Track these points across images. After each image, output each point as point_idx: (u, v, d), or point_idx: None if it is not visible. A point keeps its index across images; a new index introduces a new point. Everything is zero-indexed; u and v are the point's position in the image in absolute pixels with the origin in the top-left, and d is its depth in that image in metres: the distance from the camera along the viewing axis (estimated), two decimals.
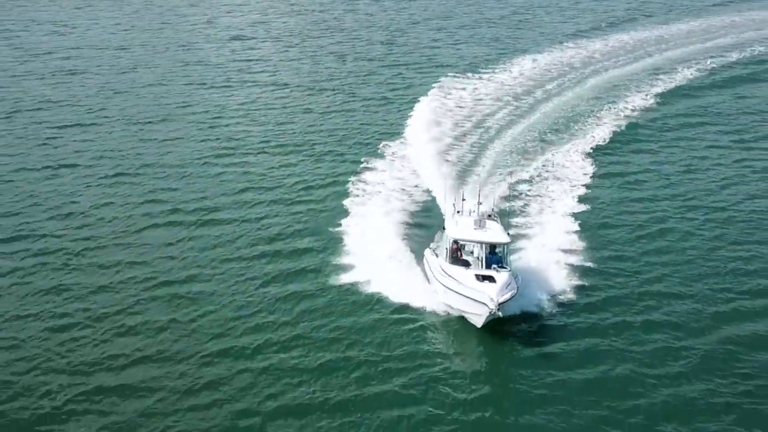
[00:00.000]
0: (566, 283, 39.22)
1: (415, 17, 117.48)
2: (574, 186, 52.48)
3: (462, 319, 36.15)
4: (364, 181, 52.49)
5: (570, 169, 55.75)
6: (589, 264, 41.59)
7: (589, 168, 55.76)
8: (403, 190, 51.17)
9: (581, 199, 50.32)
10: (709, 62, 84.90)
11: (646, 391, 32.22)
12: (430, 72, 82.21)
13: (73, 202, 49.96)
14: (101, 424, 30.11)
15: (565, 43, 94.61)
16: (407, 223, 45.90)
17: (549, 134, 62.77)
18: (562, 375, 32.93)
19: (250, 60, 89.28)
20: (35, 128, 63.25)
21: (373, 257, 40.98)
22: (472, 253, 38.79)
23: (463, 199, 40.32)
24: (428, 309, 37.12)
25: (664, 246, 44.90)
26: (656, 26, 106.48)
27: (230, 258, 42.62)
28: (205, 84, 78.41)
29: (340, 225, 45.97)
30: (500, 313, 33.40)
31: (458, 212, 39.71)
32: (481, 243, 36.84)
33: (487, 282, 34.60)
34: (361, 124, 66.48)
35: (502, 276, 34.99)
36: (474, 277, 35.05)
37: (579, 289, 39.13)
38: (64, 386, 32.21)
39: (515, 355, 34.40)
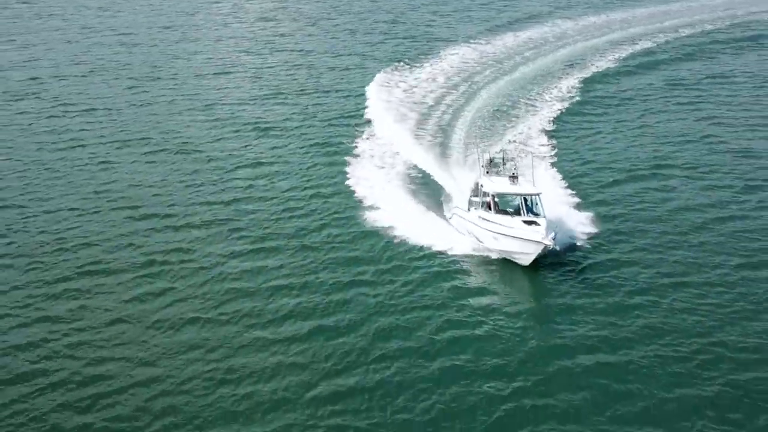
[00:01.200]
0: (580, 230, 45.17)
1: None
2: (549, 153, 58.41)
3: (483, 261, 42.25)
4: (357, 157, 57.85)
5: (536, 139, 61.54)
6: (591, 213, 47.72)
7: (549, 139, 61.87)
8: (390, 161, 56.81)
9: (561, 160, 56.84)
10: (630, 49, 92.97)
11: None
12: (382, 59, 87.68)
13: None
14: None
15: (503, 34, 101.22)
16: (407, 187, 51.83)
17: (510, 110, 69.04)
18: (585, 302, 38.35)
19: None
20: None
21: (394, 209, 47.32)
22: (504, 210, 44.19)
23: (490, 161, 45.77)
24: (454, 252, 42.81)
25: (641, 190, 52.41)
26: (605, 11, 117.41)
27: (269, 212, 48.03)
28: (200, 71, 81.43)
29: (348, 186, 52.17)
30: (557, 247, 40.12)
31: (487, 173, 45.15)
32: (520, 195, 42.52)
33: (534, 225, 40.40)
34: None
35: (543, 220, 41.06)
36: (523, 223, 40.67)
37: (592, 235, 45.22)
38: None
39: (550, 289, 39.89)
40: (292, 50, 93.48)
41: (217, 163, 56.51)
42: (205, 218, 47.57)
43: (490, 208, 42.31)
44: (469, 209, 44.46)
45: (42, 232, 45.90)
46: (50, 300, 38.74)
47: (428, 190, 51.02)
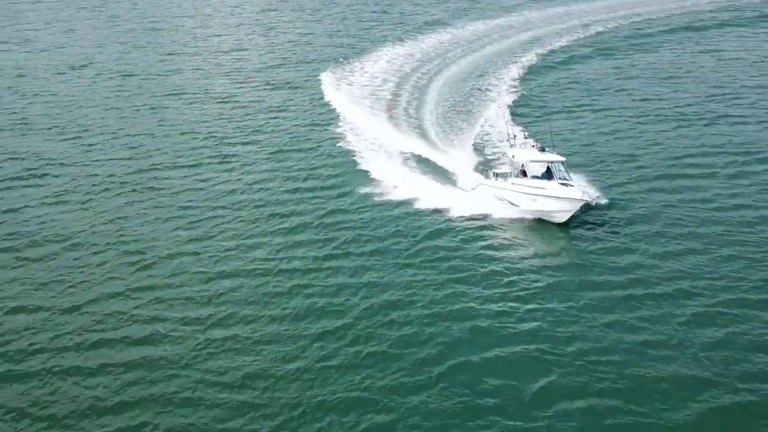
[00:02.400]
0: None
1: None
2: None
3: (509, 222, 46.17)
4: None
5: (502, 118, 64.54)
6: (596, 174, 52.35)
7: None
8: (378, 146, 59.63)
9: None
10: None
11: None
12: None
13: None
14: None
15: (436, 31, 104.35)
16: (415, 168, 54.72)
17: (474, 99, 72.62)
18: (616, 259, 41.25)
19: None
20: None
21: (420, 188, 50.04)
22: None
23: (514, 136, 50.35)
24: (491, 216, 46.52)
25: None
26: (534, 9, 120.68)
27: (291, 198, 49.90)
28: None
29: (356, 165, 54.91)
30: (594, 202, 45.45)
31: (512, 146, 49.66)
32: (551, 162, 46.52)
33: (569, 186, 44.70)
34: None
35: (574, 183, 45.61)
36: (559, 185, 44.79)
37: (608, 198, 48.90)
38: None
39: (580, 242, 43.65)
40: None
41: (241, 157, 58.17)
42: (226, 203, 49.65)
43: (524, 175, 46.41)
44: (496, 179, 48.44)
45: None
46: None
47: (431, 169, 53.71)
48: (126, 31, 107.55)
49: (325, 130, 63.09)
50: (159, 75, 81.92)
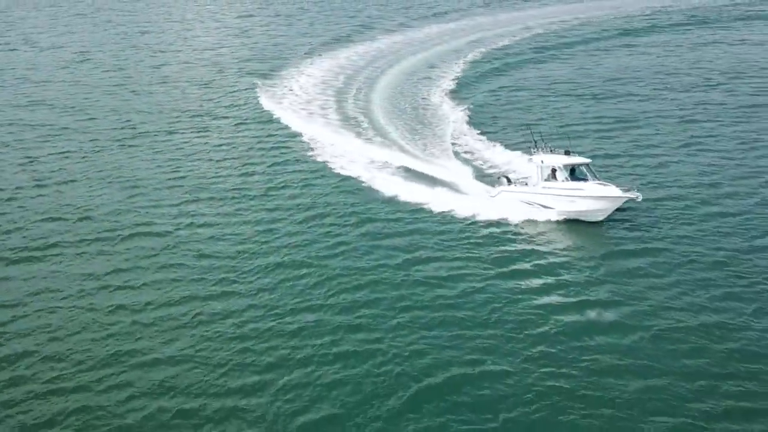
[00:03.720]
0: None
1: None
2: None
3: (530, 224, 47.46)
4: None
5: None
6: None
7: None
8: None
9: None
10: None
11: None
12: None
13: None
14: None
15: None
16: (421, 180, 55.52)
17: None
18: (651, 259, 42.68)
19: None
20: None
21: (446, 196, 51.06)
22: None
23: (535, 142, 50.82)
24: (521, 221, 47.57)
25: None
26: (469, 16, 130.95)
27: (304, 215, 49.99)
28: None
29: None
30: (640, 198, 44.73)
31: (536, 151, 50.14)
32: (580, 165, 48.13)
33: (608, 185, 46.12)
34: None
35: (607, 183, 47.00)
36: (597, 185, 46.39)
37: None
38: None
39: (611, 241, 45.60)
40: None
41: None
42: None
43: (555, 179, 47.81)
44: (515, 185, 50.25)
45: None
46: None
47: (433, 182, 54.21)
48: (119, 33, 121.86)
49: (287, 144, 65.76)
50: (147, 67, 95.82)
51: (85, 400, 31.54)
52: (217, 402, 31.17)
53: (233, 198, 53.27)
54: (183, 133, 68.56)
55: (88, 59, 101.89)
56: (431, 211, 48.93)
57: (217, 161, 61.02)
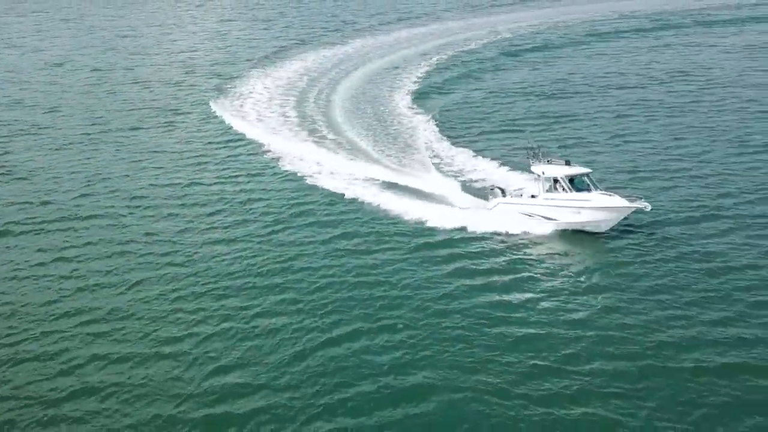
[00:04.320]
0: None
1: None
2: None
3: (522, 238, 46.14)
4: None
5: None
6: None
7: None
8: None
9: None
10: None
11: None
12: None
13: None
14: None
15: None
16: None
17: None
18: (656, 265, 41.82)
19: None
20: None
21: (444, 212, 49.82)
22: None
23: (532, 149, 49.58)
24: (525, 233, 46.53)
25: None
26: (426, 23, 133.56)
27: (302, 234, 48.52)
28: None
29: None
30: (649, 207, 43.62)
31: (536, 162, 48.58)
32: (582, 175, 46.90)
33: (612, 196, 45.10)
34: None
35: (611, 193, 45.91)
36: (601, 195, 45.37)
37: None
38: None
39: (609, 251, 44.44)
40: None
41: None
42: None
43: (556, 190, 46.49)
44: (512, 196, 49.27)
45: None
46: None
47: (423, 195, 53.15)
48: (99, 37, 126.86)
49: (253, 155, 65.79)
50: (121, 69, 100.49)
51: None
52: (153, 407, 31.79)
53: (191, 195, 56.20)
54: (146, 129, 73.10)
55: (67, 62, 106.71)
56: (428, 227, 47.89)
57: (175, 155, 65.49)
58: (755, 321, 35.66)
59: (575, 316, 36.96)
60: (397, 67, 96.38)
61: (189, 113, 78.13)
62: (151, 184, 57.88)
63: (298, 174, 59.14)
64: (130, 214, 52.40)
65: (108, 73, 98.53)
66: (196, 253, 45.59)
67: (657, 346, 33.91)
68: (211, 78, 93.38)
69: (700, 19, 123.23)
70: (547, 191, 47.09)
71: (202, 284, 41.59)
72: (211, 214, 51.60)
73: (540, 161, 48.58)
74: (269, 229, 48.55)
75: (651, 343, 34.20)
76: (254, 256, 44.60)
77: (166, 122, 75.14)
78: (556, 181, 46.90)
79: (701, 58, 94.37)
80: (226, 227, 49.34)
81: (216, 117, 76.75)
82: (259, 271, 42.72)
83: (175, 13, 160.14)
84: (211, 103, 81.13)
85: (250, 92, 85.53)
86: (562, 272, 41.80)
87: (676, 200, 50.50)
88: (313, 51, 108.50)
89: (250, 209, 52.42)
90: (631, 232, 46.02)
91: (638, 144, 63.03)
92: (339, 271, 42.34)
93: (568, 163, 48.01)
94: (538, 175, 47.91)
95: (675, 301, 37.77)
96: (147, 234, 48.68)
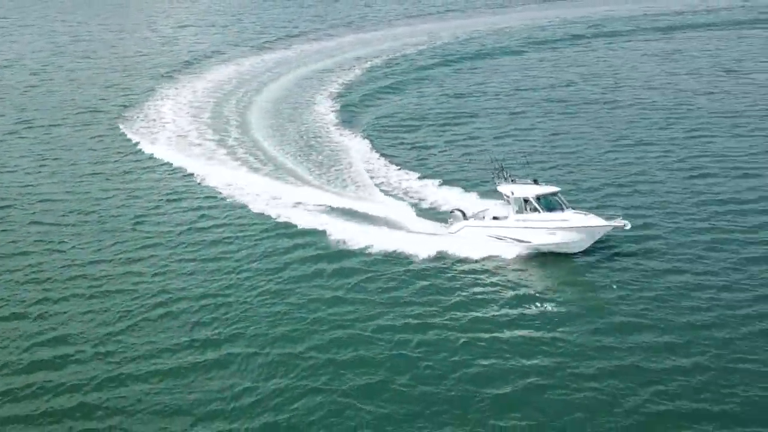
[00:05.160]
0: None
1: None
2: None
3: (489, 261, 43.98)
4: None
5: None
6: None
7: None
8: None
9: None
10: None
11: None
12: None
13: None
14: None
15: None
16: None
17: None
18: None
19: None
20: None
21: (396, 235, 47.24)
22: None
23: (497, 168, 47.90)
24: (459, 255, 44.39)
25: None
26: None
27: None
28: None
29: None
30: (629, 226, 42.00)
31: (503, 182, 46.67)
32: (552, 194, 45.00)
33: (588, 215, 43.45)
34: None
35: (583, 212, 44.49)
36: (576, 214, 43.75)
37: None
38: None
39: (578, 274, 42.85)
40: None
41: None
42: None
43: (528, 210, 44.36)
44: (474, 218, 47.09)
45: None
46: None
47: (375, 221, 50.11)
48: (54, 42, 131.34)
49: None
50: (64, 71, 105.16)
51: None
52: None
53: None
54: (71, 127, 77.41)
55: (16, 64, 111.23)
56: (390, 255, 44.77)
57: (93, 153, 69.20)
58: (736, 345, 34.37)
59: (552, 345, 35.22)
60: (328, 75, 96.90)
61: (114, 116, 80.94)
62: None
63: (232, 199, 55.74)
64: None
65: (51, 75, 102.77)
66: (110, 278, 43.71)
67: (634, 378, 32.52)
68: (146, 81, 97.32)
69: (645, 25, 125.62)
70: (517, 212, 45.04)
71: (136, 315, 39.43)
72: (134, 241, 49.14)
73: (506, 180, 46.71)
74: (208, 262, 45.33)
75: (628, 375, 32.76)
76: (207, 296, 41.11)
77: (85, 122, 79.01)
78: (526, 201, 44.81)
79: (650, 66, 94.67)
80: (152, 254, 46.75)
81: (126, 134, 74.53)
82: (222, 317, 39.13)
83: (138, 18, 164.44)
84: (121, 126, 78.44)
85: (173, 105, 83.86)
86: (537, 298, 39.92)
87: (647, 215, 48.93)
88: (254, 55, 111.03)
89: (191, 244, 48.38)
90: (605, 251, 44.27)
91: (595, 157, 61.53)
92: (291, 306, 39.59)
93: (535, 181, 46.35)
94: (507, 196, 45.62)
95: (657, 327, 36.23)
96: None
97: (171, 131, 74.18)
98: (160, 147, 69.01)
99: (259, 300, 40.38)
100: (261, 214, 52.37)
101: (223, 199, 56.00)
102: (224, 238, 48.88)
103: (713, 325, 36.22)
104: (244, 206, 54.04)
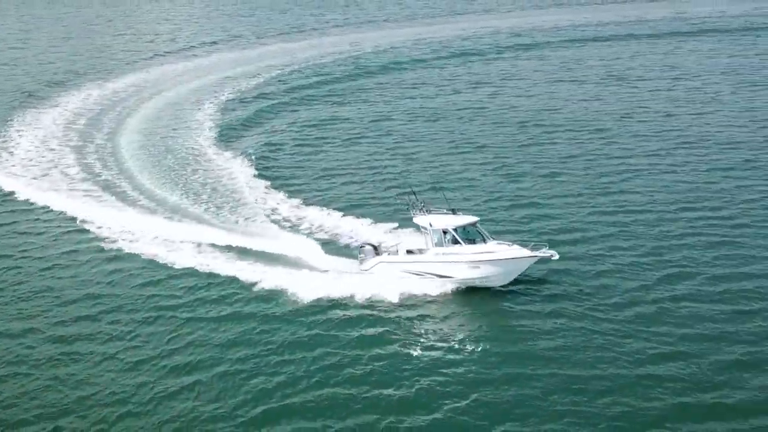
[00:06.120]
0: None
1: None
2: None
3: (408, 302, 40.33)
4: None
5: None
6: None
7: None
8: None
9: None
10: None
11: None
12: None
13: None
14: None
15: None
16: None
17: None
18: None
19: None
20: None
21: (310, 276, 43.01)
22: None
23: (411, 198, 44.38)
24: (363, 297, 40.50)
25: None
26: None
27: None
28: None
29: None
30: (557, 256, 39.88)
31: (418, 214, 43.59)
32: (473, 224, 42.50)
33: (512, 246, 40.91)
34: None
35: (505, 243, 41.93)
36: (499, 246, 41.06)
37: None
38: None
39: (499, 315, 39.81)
40: None
41: None
42: None
43: (448, 243, 41.56)
44: (388, 254, 43.75)
45: None
46: None
47: (274, 259, 45.66)
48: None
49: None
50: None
51: None
52: None
53: None
54: None
55: None
56: (298, 297, 40.53)
57: None
58: (659, 377, 33.15)
59: (475, 389, 32.82)
60: (208, 96, 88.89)
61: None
62: None
63: (106, 239, 49.19)
64: None
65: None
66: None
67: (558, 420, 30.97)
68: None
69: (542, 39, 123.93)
70: (437, 245, 42.15)
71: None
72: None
73: (420, 211, 43.65)
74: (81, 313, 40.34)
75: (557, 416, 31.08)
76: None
77: None
78: (445, 232, 41.91)
79: (567, 84, 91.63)
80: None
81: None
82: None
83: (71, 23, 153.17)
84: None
85: (32, 134, 74.48)
86: (461, 339, 36.76)
87: (569, 242, 46.59)
88: (127, 74, 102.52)
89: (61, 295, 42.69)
90: (531, 284, 41.77)
91: (511, 182, 57.83)
92: (192, 358, 35.47)
93: (453, 211, 43.36)
94: (424, 228, 42.81)
95: (587, 363, 34.33)
96: None
97: (32, 164, 65.27)
98: (20, 184, 60.31)
99: (153, 350, 36.29)
100: (142, 256, 46.47)
101: (95, 238, 49.49)
102: (93, 280, 43.77)
103: (640, 358, 34.62)
104: (119, 249, 47.73)
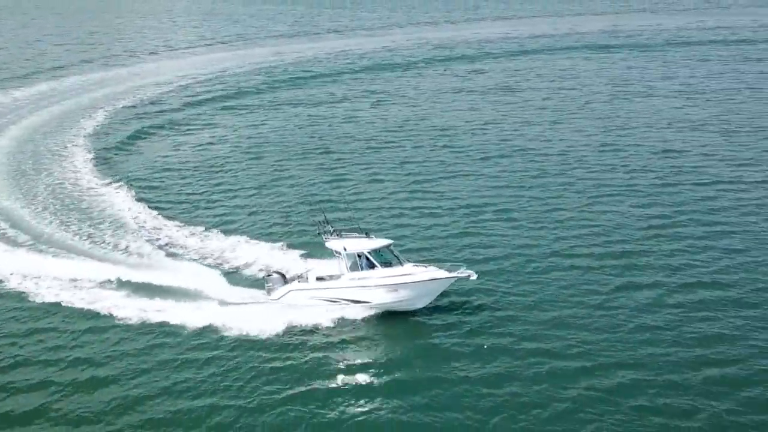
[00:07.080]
0: None
1: None
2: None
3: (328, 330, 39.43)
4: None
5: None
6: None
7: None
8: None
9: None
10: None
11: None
12: None
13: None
14: None
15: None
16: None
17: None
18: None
19: None
20: None
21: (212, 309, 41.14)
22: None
23: (322, 222, 43.12)
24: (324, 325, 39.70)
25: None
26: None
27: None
28: None
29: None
30: (474, 276, 39.60)
31: (330, 238, 42.38)
32: (387, 246, 41.67)
33: (428, 267, 40.59)
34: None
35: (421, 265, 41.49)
36: (416, 268, 40.54)
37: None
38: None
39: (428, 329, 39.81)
40: None
41: None
42: None
43: (363, 267, 40.87)
44: (299, 281, 42.37)
45: None
46: None
47: (176, 293, 42.87)
48: None
49: None
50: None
51: None
52: None
53: None
54: None
55: None
56: (203, 331, 38.99)
57: None
58: (592, 404, 32.59)
59: (397, 415, 32.35)
60: (79, 116, 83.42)
61: None
62: None
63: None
64: None
65: None
66: None
67: None
68: None
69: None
70: (351, 269, 41.18)
71: None
72: None
73: (331, 235, 42.58)
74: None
75: None
76: None
77: None
78: (360, 256, 41.05)
79: (488, 99, 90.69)
80: None
81: None
82: None
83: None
84: None
85: None
86: (379, 366, 36.10)
87: (486, 260, 46.11)
88: None
89: None
90: (448, 304, 41.33)
91: (423, 202, 56.62)
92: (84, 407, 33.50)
93: (367, 234, 42.54)
94: (338, 252, 41.63)
95: (511, 382, 34.23)
96: None
97: None
98: None
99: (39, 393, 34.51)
100: (26, 297, 43.11)
101: None
102: None
103: (566, 377, 34.46)
104: None
